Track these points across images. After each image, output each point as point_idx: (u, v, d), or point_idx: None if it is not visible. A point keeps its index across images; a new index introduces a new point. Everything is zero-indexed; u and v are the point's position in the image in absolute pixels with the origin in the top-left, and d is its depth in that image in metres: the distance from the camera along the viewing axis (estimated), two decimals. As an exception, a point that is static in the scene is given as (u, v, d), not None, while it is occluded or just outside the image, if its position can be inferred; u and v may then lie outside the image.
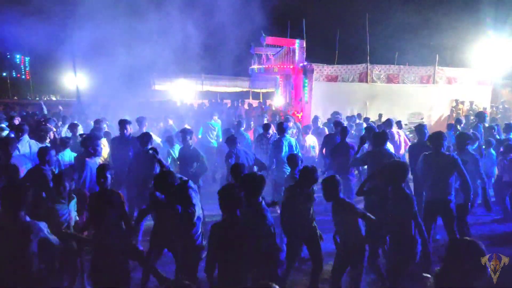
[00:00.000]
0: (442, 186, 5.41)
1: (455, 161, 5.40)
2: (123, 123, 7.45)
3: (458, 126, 10.03)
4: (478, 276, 2.40)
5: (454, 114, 15.01)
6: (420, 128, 6.86)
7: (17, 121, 9.46)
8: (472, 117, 13.68)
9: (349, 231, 4.32)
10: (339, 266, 4.44)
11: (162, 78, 22.95)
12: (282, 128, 7.70)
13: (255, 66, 17.35)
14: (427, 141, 6.39)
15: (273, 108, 17.17)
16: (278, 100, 18.94)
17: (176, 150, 7.54)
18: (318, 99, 14.81)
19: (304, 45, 16.05)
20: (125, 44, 14.96)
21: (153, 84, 22.90)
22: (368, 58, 16.31)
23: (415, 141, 6.89)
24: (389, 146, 7.25)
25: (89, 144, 6.15)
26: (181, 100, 19.46)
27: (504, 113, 14.53)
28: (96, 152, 6.17)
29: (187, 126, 9.91)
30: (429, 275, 4.29)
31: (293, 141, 7.88)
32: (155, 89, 22.99)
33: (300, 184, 4.79)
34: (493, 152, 7.91)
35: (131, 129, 7.63)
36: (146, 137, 6.49)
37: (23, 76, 38.79)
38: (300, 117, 14.56)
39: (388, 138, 6.39)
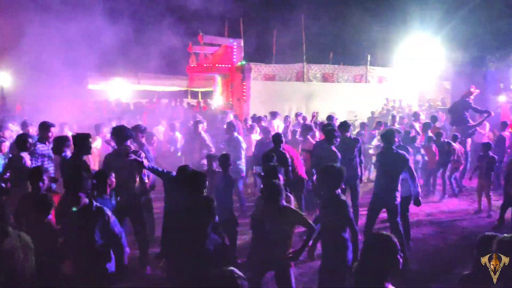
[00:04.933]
0: (392, 182, 5.71)
1: (405, 158, 5.71)
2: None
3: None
4: (392, 269, 2.47)
5: (385, 112, 15.74)
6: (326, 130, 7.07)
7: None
8: (401, 114, 14.41)
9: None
10: None
11: (96, 77, 22.02)
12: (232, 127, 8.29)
13: (193, 65, 17.17)
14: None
15: (213, 108, 17.04)
16: (217, 100, 18.85)
17: None
18: (256, 98, 14.95)
19: (242, 44, 16.12)
20: (55, 42, 14.17)
21: (87, 84, 21.91)
22: (304, 57, 16.72)
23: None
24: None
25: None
26: (117, 99, 18.78)
27: (428, 111, 15.45)
28: None
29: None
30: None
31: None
32: (89, 88, 22.02)
33: None
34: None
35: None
36: None
37: None
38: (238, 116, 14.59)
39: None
